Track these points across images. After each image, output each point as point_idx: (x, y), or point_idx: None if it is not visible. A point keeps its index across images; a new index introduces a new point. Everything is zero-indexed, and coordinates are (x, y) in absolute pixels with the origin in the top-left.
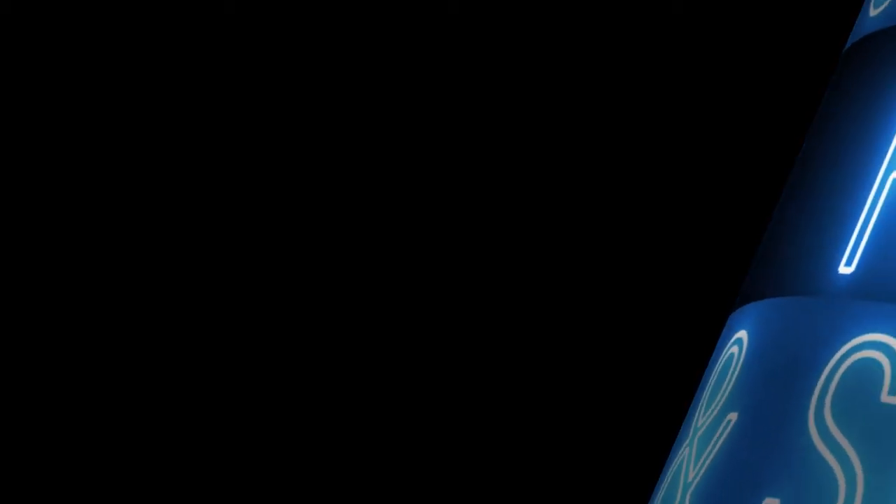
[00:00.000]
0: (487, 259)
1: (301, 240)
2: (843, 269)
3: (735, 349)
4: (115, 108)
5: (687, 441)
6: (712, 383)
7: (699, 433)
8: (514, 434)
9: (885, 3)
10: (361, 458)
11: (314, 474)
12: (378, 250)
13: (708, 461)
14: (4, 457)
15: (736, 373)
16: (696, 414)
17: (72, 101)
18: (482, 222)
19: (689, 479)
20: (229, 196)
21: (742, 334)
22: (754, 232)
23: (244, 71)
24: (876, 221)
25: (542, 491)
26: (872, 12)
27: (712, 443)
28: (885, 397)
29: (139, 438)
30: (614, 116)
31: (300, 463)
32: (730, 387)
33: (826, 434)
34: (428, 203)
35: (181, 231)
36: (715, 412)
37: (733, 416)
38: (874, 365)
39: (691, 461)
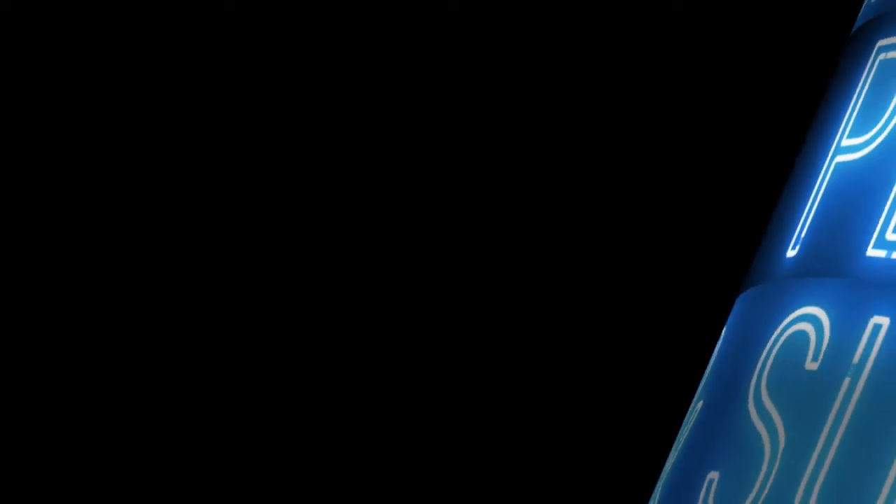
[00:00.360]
0: (487, 256)
1: (301, 240)
2: (790, 253)
3: (718, 345)
4: (116, 108)
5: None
6: None
7: (682, 426)
8: (513, 432)
9: (863, 7)
10: (361, 459)
11: (314, 474)
12: (378, 250)
13: (678, 449)
14: (4, 457)
15: (710, 366)
16: None
17: (72, 102)
18: (482, 221)
19: (667, 468)
20: (229, 196)
21: (724, 331)
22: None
23: (244, 71)
24: (819, 204)
25: (543, 490)
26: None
27: (683, 432)
28: (808, 364)
29: (139, 438)
30: (614, 116)
31: (300, 463)
32: (703, 380)
33: (760, 406)
34: (428, 203)
35: (181, 231)
36: (692, 405)
37: (700, 405)
38: (803, 336)
39: (672, 452)
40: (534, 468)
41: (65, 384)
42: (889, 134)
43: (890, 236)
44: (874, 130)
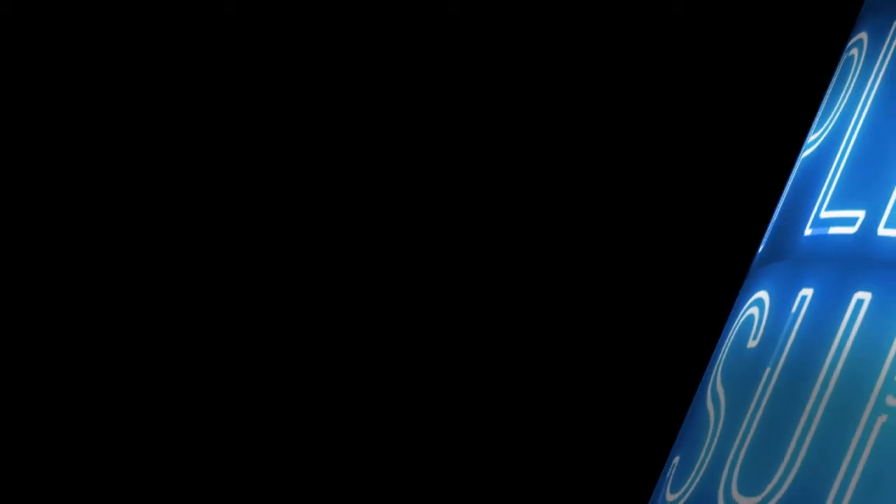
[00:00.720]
0: (489, 253)
1: (301, 240)
2: (760, 248)
3: None
4: (116, 108)
5: None
6: None
7: None
8: (513, 430)
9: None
10: (361, 459)
11: (314, 474)
12: (377, 250)
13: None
14: (4, 457)
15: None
16: None
17: (72, 102)
18: (483, 221)
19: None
20: (229, 196)
21: None
22: None
23: (244, 71)
24: (784, 200)
25: (543, 489)
26: None
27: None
28: (750, 342)
29: (139, 438)
30: (613, 116)
31: (300, 463)
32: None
33: (714, 390)
34: (427, 203)
35: (181, 231)
36: None
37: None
38: (751, 319)
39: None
40: (533, 466)
41: (65, 384)
42: (835, 124)
43: (823, 214)
44: (826, 124)
